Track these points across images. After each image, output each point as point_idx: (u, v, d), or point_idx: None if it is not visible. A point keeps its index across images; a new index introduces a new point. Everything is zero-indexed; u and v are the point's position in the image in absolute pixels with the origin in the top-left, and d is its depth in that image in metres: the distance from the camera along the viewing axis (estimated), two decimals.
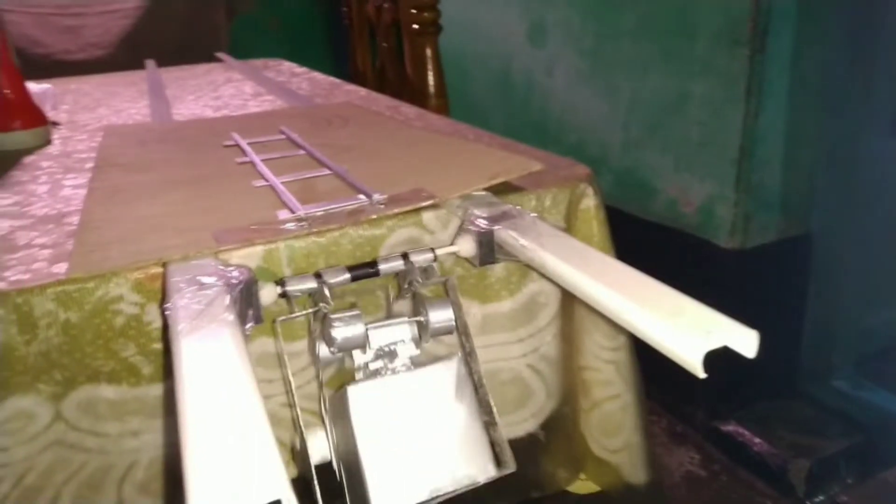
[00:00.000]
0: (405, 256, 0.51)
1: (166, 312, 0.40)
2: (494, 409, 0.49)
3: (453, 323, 0.50)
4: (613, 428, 0.65)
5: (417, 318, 0.50)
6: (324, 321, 0.48)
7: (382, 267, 0.50)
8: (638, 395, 0.64)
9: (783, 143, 1.17)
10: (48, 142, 0.90)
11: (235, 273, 0.44)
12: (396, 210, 0.54)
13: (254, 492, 0.27)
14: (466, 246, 0.52)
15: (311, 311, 0.50)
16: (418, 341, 0.50)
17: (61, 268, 0.48)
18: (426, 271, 0.52)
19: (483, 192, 0.58)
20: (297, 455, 0.52)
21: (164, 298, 0.46)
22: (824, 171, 1.19)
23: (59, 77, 1.44)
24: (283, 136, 0.81)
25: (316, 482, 0.45)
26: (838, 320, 1.26)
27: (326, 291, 0.48)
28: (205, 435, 0.30)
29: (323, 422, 0.49)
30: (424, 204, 0.55)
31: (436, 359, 0.49)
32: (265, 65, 1.61)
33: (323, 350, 0.49)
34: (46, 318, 0.45)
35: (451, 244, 0.53)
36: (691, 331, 0.35)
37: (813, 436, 1.21)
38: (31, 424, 0.46)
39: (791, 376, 1.30)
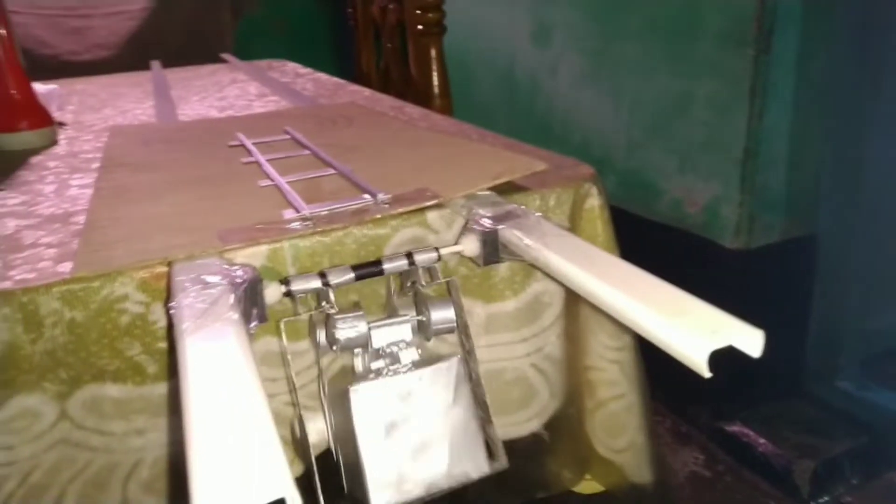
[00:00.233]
0: (409, 256, 0.51)
1: (171, 311, 0.40)
2: (489, 407, 0.50)
3: (454, 323, 0.51)
4: (618, 428, 0.65)
5: (419, 317, 0.51)
6: (327, 321, 0.49)
7: (387, 266, 0.50)
8: (643, 395, 0.64)
9: (788, 144, 1.16)
10: (54, 142, 0.90)
11: (240, 272, 0.44)
12: (401, 210, 0.54)
13: (258, 490, 0.27)
14: (470, 245, 0.52)
15: (314, 311, 0.50)
16: (420, 340, 0.51)
17: (67, 267, 0.48)
18: (429, 271, 0.52)
19: (487, 192, 0.58)
20: (300, 453, 0.52)
21: (168, 297, 0.46)
22: (829, 171, 1.19)
23: (65, 78, 1.45)
24: (287, 137, 0.81)
25: (318, 480, 0.46)
26: (843, 321, 1.25)
27: (331, 293, 0.48)
28: (209, 433, 0.30)
29: (325, 419, 0.50)
30: (429, 203, 0.55)
31: (436, 357, 0.49)
32: (270, 66, 1.61)
33: (325, 348, 0.50)
34: (52, 317, 0.46)
35: (456, 243, 0.53)
36: (696, 330, 0.35)
37: (818, 436, 1.20)
38: (36, 423, 0.46)
39: (796, 377, 1.30)
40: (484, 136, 0.80)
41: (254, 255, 0.50)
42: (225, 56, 1.78)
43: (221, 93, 1.25)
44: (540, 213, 0.52)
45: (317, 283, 0.48)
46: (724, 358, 0.35)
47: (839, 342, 1.27)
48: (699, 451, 1.27)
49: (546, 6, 1.59)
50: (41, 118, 0.90)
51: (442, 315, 0.50)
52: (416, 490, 0.46)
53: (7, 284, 0.46)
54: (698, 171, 1.24)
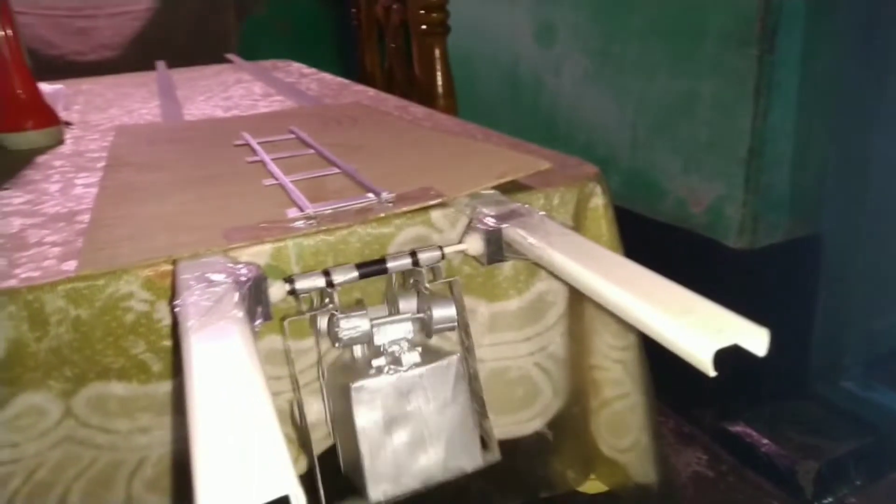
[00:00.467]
0: (413, 254, 0.51)
1: (176, 309, 0.41)
2: (489, 405, 0.51)
3: (455, 321, 0.51)
4: (622, 427, 0.65)
5: (420, 315, 0.51)
6: (330, 318, 0.49)
7: (390, 265, 0.50)
8: (647, 395, 0.64)
9: (792, 144, 1.16)
10: (60, 141, 0.90)
11: (244, 270, 0.44)
12: (405, 208, 0.54)
13: (262, 487, 0.27)
14: (475, 244, 0.52)
15: (318, 310, 0.50)
16: (421, 337, 0.52)
17: (72, 265, 0.48)
18: (432, 270, 0.52)
19: (491, 191, 0.58)
20: (303, 450, 0.52)
21: (173, 295, 0.46)
22: (834, 171, 1.19)
23: (71, 78, 1.45)
24: (292, 136, 0.81)
25: (319, 477, 0.46)
26: (848, 321, 1.25)
27: (335, 292, 0.49)
28: (213, 431, 0.30)
29: (325, 412, 0.51)
30: (433, 202, 0.55)
31: (436, 355, 0.49)
32: (274, 66, 1.61)
33: (327, 345, 0.50)
34: (57, 315, 0.46)
35: (460, 242, 0.53)
36: (701, 329, 0.35)
37: (822, 437, 1.20)
38: (41, 421, 0.47)
39: (800, 377, 1.30)
40: (488, 136, 0.80)
41: (258, 254, 0.50)
42: (230, 56, 1.78)
43: (226, 93, 1.25)
44: (544, 212, 0.52)
45: (321, 282, 0.48)
46: (728, 358, 0.35)
47: (844, 342, 1.27)
48: (702, 451, 1.27)
49: (550, 6, 1.59)
50: (47, 118, 0.90)
51: (444, 313, 0.51)
52: (413, 483, 0.48)
53: (12, 283, 0.46)
54: (702, 170, 1.24)
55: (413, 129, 0.85)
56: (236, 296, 0.41)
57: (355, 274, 0.49)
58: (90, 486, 0.49)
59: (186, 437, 0.30)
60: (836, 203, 1.20)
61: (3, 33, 0.85)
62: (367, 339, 0.49)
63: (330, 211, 0.54)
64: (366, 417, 0.47)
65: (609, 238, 0.62)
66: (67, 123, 1.01)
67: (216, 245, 0.49)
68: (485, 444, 0.52)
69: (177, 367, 0.49)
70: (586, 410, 0.65)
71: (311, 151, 0.74)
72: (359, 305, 0.51)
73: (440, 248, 0.52)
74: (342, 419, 0.50)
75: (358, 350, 0.52)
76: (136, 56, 1.96)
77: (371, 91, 1.22)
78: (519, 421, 0.61)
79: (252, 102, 1.14)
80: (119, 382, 0.48)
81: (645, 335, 0.39)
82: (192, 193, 0.63)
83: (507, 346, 0.60)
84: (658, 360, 0.60)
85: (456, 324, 0.51)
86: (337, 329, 0.48)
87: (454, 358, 0.49)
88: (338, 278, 0.48)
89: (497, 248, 0.51)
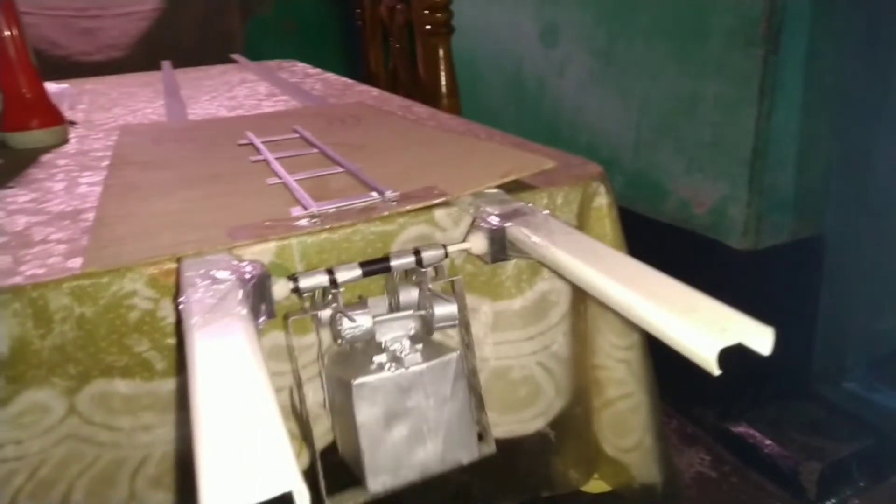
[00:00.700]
0: (417, 253, 0.51)
1: (180, 307, 0.41)
2: (486, 401, 0.53)
3: (457, 319, 0.52)
4: (625, 427, 0.64)
5: (422, 312, 0.51)
6: (333, 315, 0.49)
7: (394, 263, 0.50)
8: (651, 395, 0.64)
9: (796, 144, 1.16)
10: (65, 140, 0.90)
11: (249, 268, 0.45)
12: (408, 207, 0.54)
13: (265, 484, 0.27)
14: (478, 243, 0.52)
15: (321, 310, 0.50)
16: (422, 334, 0.52)
17: (76, 263, 0.48)
18: (435, 269, 0.53)
19: (495, 190, 0.58)
20: (306, 446, 0.52)
21: (177, 293, 0.46)
22: (838, 171, 1.19)
23: (76, 78, 1.45)
24: (296, 135, 0.81)
25: (321, 472, 0.46)
26: (851, 322, 1.25)
27: (339, 291, 0.49)
28: (217, 427, 0.30)
29: (324, 403, 0.51)
30: (436, 201, 0.55)
31: (437, 351, 0.50)
32: (279, 66, 1.61)
33: (329, 341, 0.51)
34: (61, 313, 0.46)
35: (463, 241, 0.53)
36: (706, 327, 0.35)
37: (824, 438, 1.20)
38: (45, 418, 0.47)
39: (803, 378, 1.29)
40: (492, 135, 0.80)
41: (262, 252, 0.50)
42: (235, 56, 1.78)
43: (231, 93, 1.26)
44: (548, 211, 0.52)
45: (324, 280, 0.48)
46: (731, 358, 0.35)
47: (846, 343, 1.26)
48: (705, 451, 1.27)
49: (554, 6, 1.59)
50: (52, 117, 0.91)
51: (445, 311, 0.51)
52: (412, 474, 0.49)
53: (17, 280, 0.46)
54: (706, 171, 1.24)
55: (417, 129, 0.86)
56: (240, 293, 0.41)
57: (359, 272, 0.49)
58: (93, 484, 0.49)
59: (190, 435, 0.30)
60: (840, 204, 1.20)
61: (9, 33, 0.85)
62: (369, 336, 0.49)
63: (334, 209, 0.54)
64: (366, 413, 0.47)
65: (613, 237, 0.62)
66: (72, 123, 1.01)
67: (220, 243, 0.49)
68: (481, 437, 0.53)
69: (180, 365, 0.49)
70: (589, 410, 0.65)
71: (315, 151, 0.74)
72: (361, 302, 0.52)
73: (444, 246, 0.52)
74: (341, 410, 0.50)
75: (359, 346, 0.52)
76: (141, 56, 1.97)
77: (375, 91, 1.22)
78: (521, 420, 0.61)
79: (256, 102, 1.14)
80: (123, 380, 0.48)
81: (648, 335, 0.38)
82: (196, 192, 0.63)
83: (510, 345, 0.60)
84: (661, 361, 0.60)
85: (457, 321, 0.52)
86: (340, 327, 0.48)
87: (454, 355, 0.49)
88: (341, 277, 0.48)
89: (500, 246, 0.52)
